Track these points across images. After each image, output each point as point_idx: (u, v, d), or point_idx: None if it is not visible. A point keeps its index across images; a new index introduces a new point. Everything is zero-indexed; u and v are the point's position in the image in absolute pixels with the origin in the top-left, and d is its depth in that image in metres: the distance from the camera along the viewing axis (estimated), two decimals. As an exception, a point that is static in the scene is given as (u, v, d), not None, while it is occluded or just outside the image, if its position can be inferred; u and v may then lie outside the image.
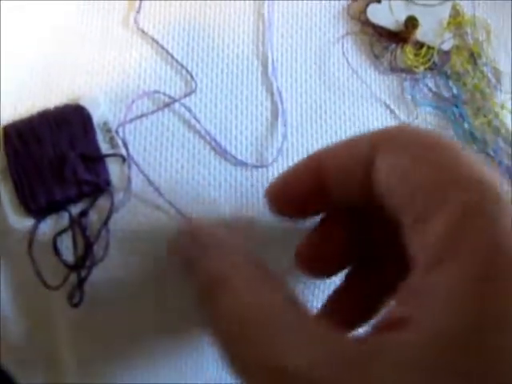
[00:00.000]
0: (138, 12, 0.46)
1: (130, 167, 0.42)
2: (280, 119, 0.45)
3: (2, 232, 0.41)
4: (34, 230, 0.41)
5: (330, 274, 0.37)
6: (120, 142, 0.43)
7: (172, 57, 0.45)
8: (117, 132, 0.43)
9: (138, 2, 0.46)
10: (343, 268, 0.37)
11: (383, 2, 0.49)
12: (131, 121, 0.44)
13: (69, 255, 0.41)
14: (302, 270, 0.37)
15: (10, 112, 0.43)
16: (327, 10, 0.49)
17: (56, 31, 0.45)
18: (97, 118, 0.43)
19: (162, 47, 0.45)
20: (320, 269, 0.37)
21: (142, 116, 0.44)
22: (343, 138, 0.45)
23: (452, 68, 0.49)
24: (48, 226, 0.41)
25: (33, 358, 0.43)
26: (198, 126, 0.44)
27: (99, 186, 0.41)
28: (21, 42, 0.45)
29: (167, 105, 0.44)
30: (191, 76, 0.45)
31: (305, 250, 0.37)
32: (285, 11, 0.48)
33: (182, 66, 0.45)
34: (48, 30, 0.45)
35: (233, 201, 0.43)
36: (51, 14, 0.45)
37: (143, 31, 0.45)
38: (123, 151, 0.43)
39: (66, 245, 0.41)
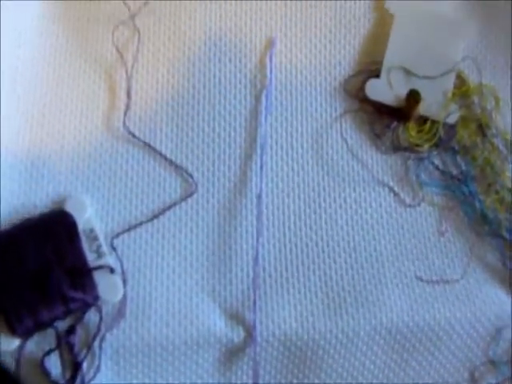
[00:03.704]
0: (126, 113, 0.44)
1: (125, 284, 0.40)
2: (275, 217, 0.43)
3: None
4: (20, 351, 0.39)
5: None
6: (107, 250, 0.41)
7: (166, 158, 0.43)
8: (111, 243, 0.41)
9: (122, 102, 0.44)
10: None
11: (382, 77, 0.46)
12: (128, 230, 0.42)
13: (58, 374, 0.40)
14: None
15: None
16: (323, 87, 0.46)
17: (38, 129, 0.44)
18: (83, 224, 0.41)
19: (155, 149, 0.43)
20: None
21: (139, 225, 0.42)
22: (345, 228, 0.43)
23: (459, 142, 0.46)
24: (35, 344, 0.40)
25: None
26: (195, 230, 0.42)
27: (87, 302, 0.39)
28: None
29: (166, 209, 0.42)
30: (191, 177, 0.43)
31: None
32: (279, 95, 0.45)
33: (179, 167, 0.43)
34: (31, 126, 0.44)
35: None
36: (34, 109, 0.44)
37: (133, 134, 0.43)
38: (111, 261, 0.41)
39: (54, 363, 0.40)
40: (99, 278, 0.40)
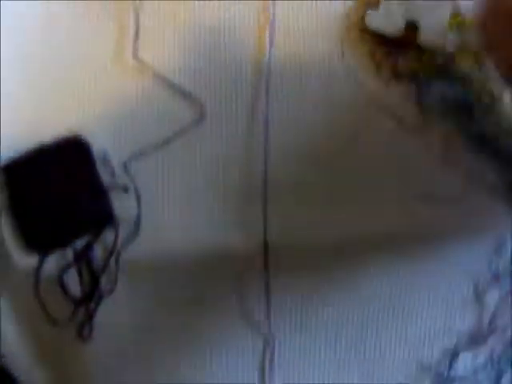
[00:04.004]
0: (135, 43, 0.45)
1: (139, 202, 0.42)
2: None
3: (7, 270, 0.41)
4: (39, 268, 0.40)
5: None
6: (121, 172, 0.42)
7: (175, 86, 0.44)
8: (125, 166, 0.42)
9: (132, 32, 0.45)
10: None
11: (382, 7, 0.47)
12: (140, 154, 0.43)
13: (76, 290, 0.41)
14: None
15: (7, 146, 0.42)
16: (324, 18, 0.47)
17: (51, 63, 0.45)
18: (96, 149, 0.42)
19: (164, 78, 0.44)
20: None
21: (151, 149, 0.43)
22: (347, 148, 0.45)
23: (457, 70, 0.47)
24: (53, 262, 0.41)
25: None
26: (204, 154, 0.44)
27: (103, 219, 0.41)
28: (15, 72, 0.44)
29: (177, 134, 0.43)
30: (200, 104, 0.44)
31: None
32: (282, 25, 0.47)
33: (188, 94, 0.44)
34: (44, 61, 0.45)
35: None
36: (48, 42, 0.45)
37: (142, 62, 0.44)
38: (125, 182, 0.42)
39: (72, 279, 0.41)
40: (114, 197, 0.41)
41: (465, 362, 0.46)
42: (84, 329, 0.41)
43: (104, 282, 0.41)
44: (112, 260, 0.41)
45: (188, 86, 0.45)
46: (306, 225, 0.42)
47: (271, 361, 0.44)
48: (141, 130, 0.44)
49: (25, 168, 0.41)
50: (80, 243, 0.41)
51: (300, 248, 0.42)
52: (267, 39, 0.46)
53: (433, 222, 0.44)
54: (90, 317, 0.41)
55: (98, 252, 0.41)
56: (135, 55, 0.45)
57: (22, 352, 0.42)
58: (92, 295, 0.41)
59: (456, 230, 0.44)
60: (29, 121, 0.44)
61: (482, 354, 0.46)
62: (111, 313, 0.41)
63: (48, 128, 0.43)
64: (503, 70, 0.33)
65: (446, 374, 0.46)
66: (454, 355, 0.46)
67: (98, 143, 0.43)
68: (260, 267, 0.42)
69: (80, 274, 0.41)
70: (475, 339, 0.46)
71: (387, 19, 0.47)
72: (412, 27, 0.47)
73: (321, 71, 0.46)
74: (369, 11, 0.47)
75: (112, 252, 0.41)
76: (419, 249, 0.44)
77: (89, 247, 0.41)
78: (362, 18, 0.47)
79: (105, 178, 0.42)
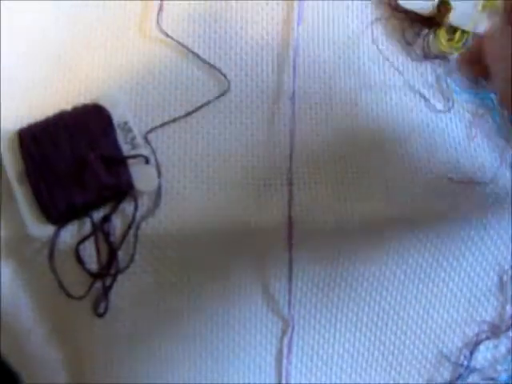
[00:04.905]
0: (159, 14, 0.43)
1: (160, 174, 0.40)
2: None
3: (21, 240, 0.39)
4: (54, 238, 0.39)
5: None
6: (142, 142, 0.41)
7: (199, 56, 0.43)
8: (145, 137, 0.41)
9: (156, 3, 0.43)
10: None
11: (414, -14, 0.46)
12: (162, 125, 0.41)
13: (92, 263, 0.39)
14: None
15: (24, 114, 0.40)
16: (354, 1, 0.46)
17: (73, 31, 0.43)
18: (117, 117, 0.41)
19: (188, 49, 0.43)
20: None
21: (173, 120, 0.42)
22: (378, 129, 0.44)
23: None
24: (69, 234, 0.39)
25: (52, 372, 0.41)
26: (228, 127, 0.42)
27: (122, 190, 0.39)
28: (36, 38, 0.43)
29: (200, 107, 0.42)
30: (224, 76, 0.43)
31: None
32: (311, 1, 0.45)
33: (212, 66, 0.43)
34: (65, 28, 0.43)
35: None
36: (70, 11, 0.43)
37: (166, 34, 0.43)
38: (145, 152, 0.40)
39: (89, 252, 0.39)
40: (134, 168, 0.40)
41: (485, 353, 0.45)
42: (100, 303, 0.39)
43: (122, 255, 0.39)
44: (130, 233, 0.39)
45: (212, 59, 0.43)
46: (332, 201, 0.41)
47: (290, 340, 0.42)
48: (163, 101, 0.42)
49: (42, 135, 0.40)
50: (97, 215, 0.39)
51: (325, 225, 0.40)
52: (296, 15, 0.45)
53: (460, 204, 0.42)
54: (106, 291, 0.39)
55: (117, 224, 0.39)
56: (159, 27, 0.43)
57: (35, 326, 0.40)
58: (109, 269, 0.39)
59: (483, 213, 0.43)
60: (49, 90, 0.42)
61: (503, 345, 0.45)
62: (128, 287, 0.39)
63: (69, 97, 0.42)
64: None
65: (466, 363, 0.45)
66: (474, 345, 0.45)
67: (119, 113, 0.41)
68: (284, 243, 0.40)
69: (97, 247, 0.39)
70: (497, 329, 0.45)
71: (420, -3, 0.46)
72: (444, 7, 0.46)
73: (350, 48, 0.45)
74: (401, -12, 0.46)
75: (131, 224, 0.39)
76: (445, 232, 0.43)
77: (107, 219, 0.39)
78: (394, -5, 0.46)
79: (125, 148, 0.40)
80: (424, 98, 0.45)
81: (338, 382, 0.44)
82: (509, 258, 0.43)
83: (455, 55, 0.46)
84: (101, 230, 0.39)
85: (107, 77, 0.42)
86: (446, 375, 0.45)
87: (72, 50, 0.43)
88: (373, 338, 0.44)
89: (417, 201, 0.42)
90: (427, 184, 0.43)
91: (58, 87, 0.42)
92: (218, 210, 0.40)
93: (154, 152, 0.41)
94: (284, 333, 0.43)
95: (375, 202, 0.42)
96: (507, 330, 0.45)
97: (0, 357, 0.41)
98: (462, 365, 0.45)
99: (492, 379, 0.45)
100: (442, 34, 0.46)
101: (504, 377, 0.45)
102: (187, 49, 0.43)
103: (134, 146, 0.40)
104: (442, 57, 0.46)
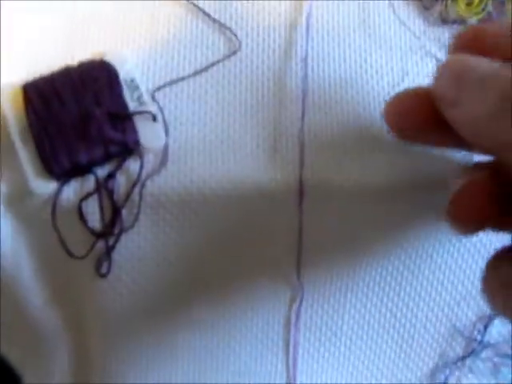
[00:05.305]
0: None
1: (167, 132, 0.39)
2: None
3: (23, 197, 0.38)
4: (57, 195, 0.38)
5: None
6: (149, 100, 0.39)
7: (209, 15, 0.42)
8: (153, 96, 0.39)
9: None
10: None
11: None
12: (170, 84, 0.40)
13: (95, 222, 0.38)
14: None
15: (30, 68, 0.39)
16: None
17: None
18: (123, 74, 0.40)
19: (198, 7, 0.42)
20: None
21: (182, 79, 0.40)
22: (391, 94, 0.42)
23: (509, 17, 0.45)
24: (72, 191, 0.38)
25: (52, 335, 0.40)
26: (238, 87, 0.41)
27: (127, 146, 0.38)
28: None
29: (209, 66, 0.41)
30: (235, 35, 0.41)
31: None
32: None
33: (223, 25, 0.42)
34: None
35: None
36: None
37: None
38: (153, 109, 0.39)
39: (92, 210, 0.38)
40: (141, 125, 0.39)
41: (500, 328, 0.44)
42: (102, 264, 0.38)
43: (126, 214, 0.38)
44: (135, 191, 0.38)
45: (223, 18, 0.42)
46: (346, 168, 0.39)
47: (298, 308, 0.41)
48: (171, 59, 0.41)
49: (46, 89, 0.38)
50: (102, 172, 0.38)
51: (338, 192, 0.39)
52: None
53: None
54: (109, 251, 0.38)
55: (121, 182, 0.38)
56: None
57: (36, 286, 0.39)
58: (112, 228, 0.38)
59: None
60: (55, 45, 0.41)
61: (519, 321, 0.43)
62: (132, 248, 0.38)
63: (75, 53, 0.41)
64: None
65: (479, 338, 0.43)
66: (489, 319, 0.43)
67: (126, 70, 0.40)
68: (294, 207, 0.39)
69: (101, 205, 0.38)
70: (512, 304, 0.43)
71: (438, -40, 0.44)
72: (463, -30, 0.44)
73: (365, 11, 0.44)
74: (419, -50, 0.44)
75: (136, 183, 0.38)
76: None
77: (111, 176, 0.38)
78: (411, -42, 0.45)
79: (131, 105, 0.39)
80: (441, 62, 0.43)
81: (347, 353, 0.42)
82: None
83: (474, 20, 0.44)
84: (105, 187, 0.38)
85: (115, 34, 0.41)
86: (459, 350, 0.44)
87: (80, 7, 0.42)
88: (384, 310, 0.42)
89: (433, 170, 0.40)
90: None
91: (65, 44, 0.41)
92: (225, 170, 0.39)
93: (161, 110, 0.39)
94: (292, 301, 0.41)
95: (390, 170, 0.40)
96: (523, 305, 0.43)
97: (0, 357, 0.40)
98: (475, 339, 0.43)
99: (507, 355, 0.44)
100: (461, -2, 0.44)
101: (519, 353, 0.43)
102: (197, 7, 0.42)
103: (140, 104, 0.39)
104: (461, 21, 0.44)
